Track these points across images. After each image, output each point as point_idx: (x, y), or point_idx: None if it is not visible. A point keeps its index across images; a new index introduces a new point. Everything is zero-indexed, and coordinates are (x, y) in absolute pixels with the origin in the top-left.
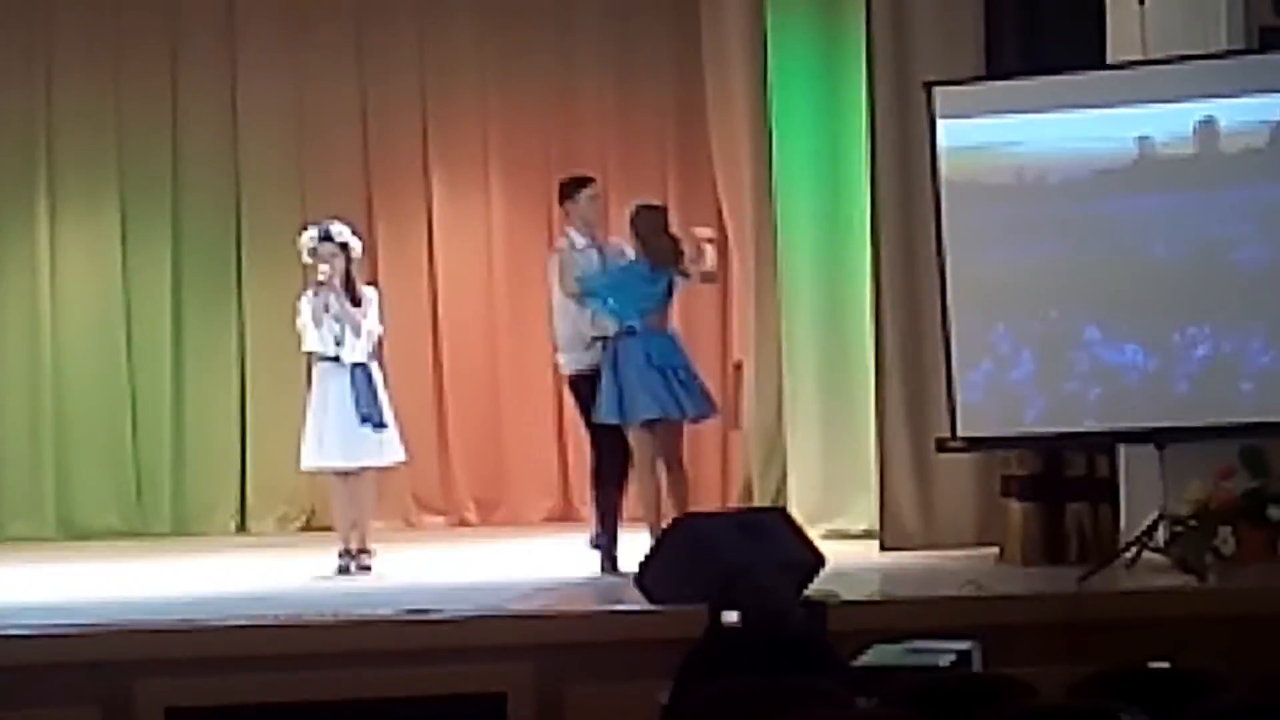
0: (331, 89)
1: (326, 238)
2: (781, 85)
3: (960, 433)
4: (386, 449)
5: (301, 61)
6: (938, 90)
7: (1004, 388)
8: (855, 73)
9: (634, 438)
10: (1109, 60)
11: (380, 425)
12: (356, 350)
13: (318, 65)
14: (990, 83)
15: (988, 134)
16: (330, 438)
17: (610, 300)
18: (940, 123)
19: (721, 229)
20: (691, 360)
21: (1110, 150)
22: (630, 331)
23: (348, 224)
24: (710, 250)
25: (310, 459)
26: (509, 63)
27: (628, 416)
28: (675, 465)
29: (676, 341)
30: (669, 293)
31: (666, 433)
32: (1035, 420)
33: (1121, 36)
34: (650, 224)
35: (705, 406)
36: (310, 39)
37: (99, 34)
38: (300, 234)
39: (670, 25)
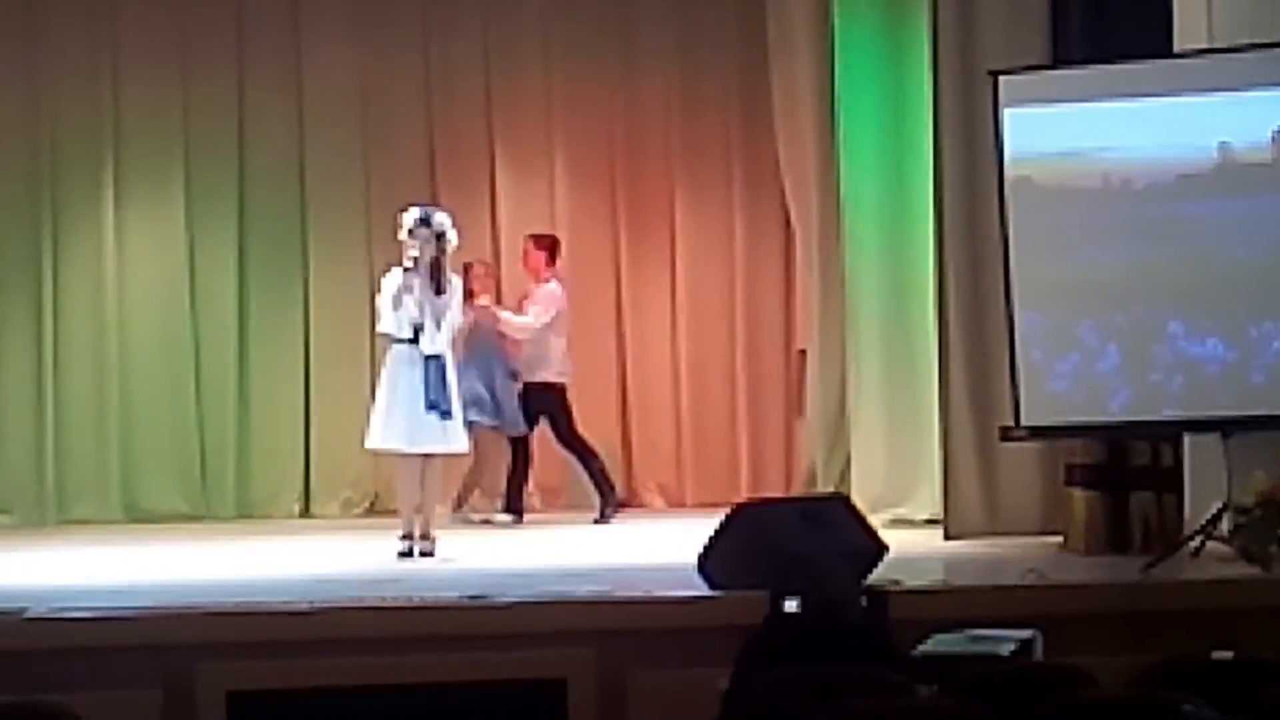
0: (396, 73)
1: (425, 222)
2: (847, 73)
3: (1048, 421)
4: (450, 437)
5: (367, 46)
6: (1003, 79)
7: (1090, 378)
8: (920, 61)
9: None
10: (1176, 48)
11: (446, 414)
12: (437, 342)
13: (383, 50)
14: (1056, 71)
15: (1072, 139)
16: (397, 421)
17: None
18: (1008, 113)
19: (785, 216)
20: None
21: (1192, 157)
22: None
23: (450, 214)
24: None
25: (375, 439)
26: (573, 46)
27: None
28: None
29: None
30: None
31: None
32: (1120, 410)
33: (1189, 24)
34: None
35: None
36: (375, 23)
37: (165, 21)
38: (401, 213)
39: (735, 17)
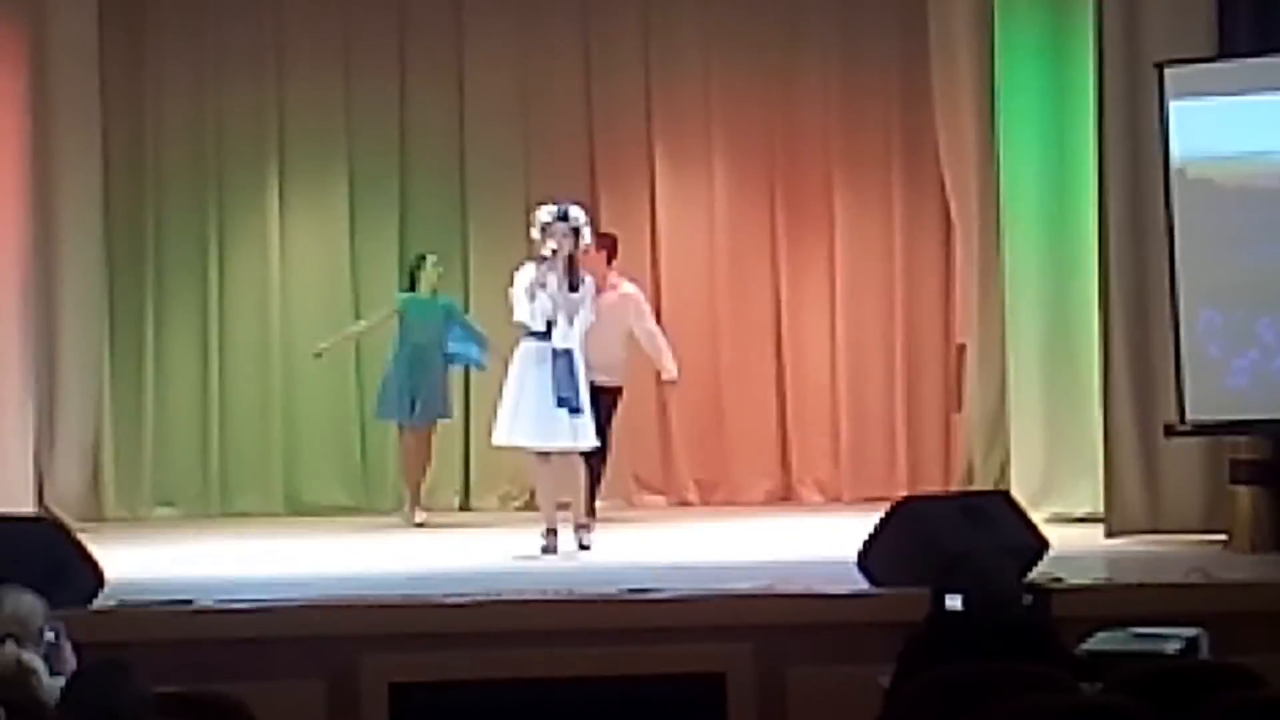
0: (557, 72)
1: (563, 218)
2: (1008, 67)
3: (1225, 415)
4: (579, 433)
5: (528, 46)
6: (1169, 71)
7: (1269, 375)
8: (1083, 54)
9: None
10: None
11: (577, 410)
12: (569, 338)
13: (544, 50)
14: (1223, 63)
15: (1241, 132)
16: (525, 417)
17: None
18: (1174, 106)
19: (945, 210)
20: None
21: None
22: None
23: (586, 209)
24: None
25: (502, 435)
26: (733, 46)
27: None
28: None
29: None
30: None
31: None
32: None
33: None
34: None
35: None
36: (537, 24)
37: (328, 21)
38: (537, 209)
39: (896, 8)
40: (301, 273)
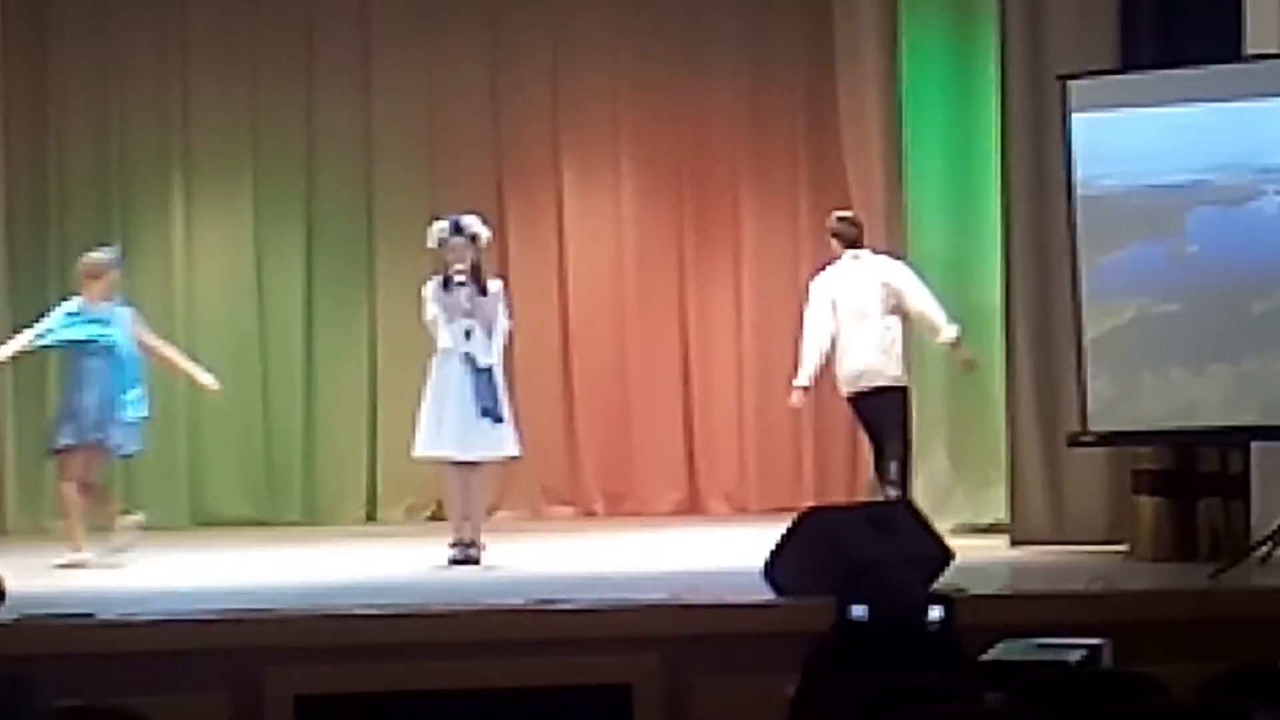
0: (464, 76)
1: (457, 230)
2: (914, 75)
3: (1117, 427)
4: (502, 443)
5: (435, 54)
6: (1073, 84)
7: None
8: (987, 69)
9: None
10: (1246, 51)
11: (499, 420)
12: (490, 352)
13: (450, 52)
14: (1126, 75)
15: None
16: (448, 428)
17: None
18: (1077, 119)
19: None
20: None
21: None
22: None
23: (477, 214)
24: None
25: (425, 448)
26: (641, 48)
27: None
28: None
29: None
30: None
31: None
32: (1189, 416)
33: (1260, 28)
34: None
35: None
36: (443, 26)
37: (234, 21)
38: (429, 225)
39: (803, 27)
40: (205, 282)
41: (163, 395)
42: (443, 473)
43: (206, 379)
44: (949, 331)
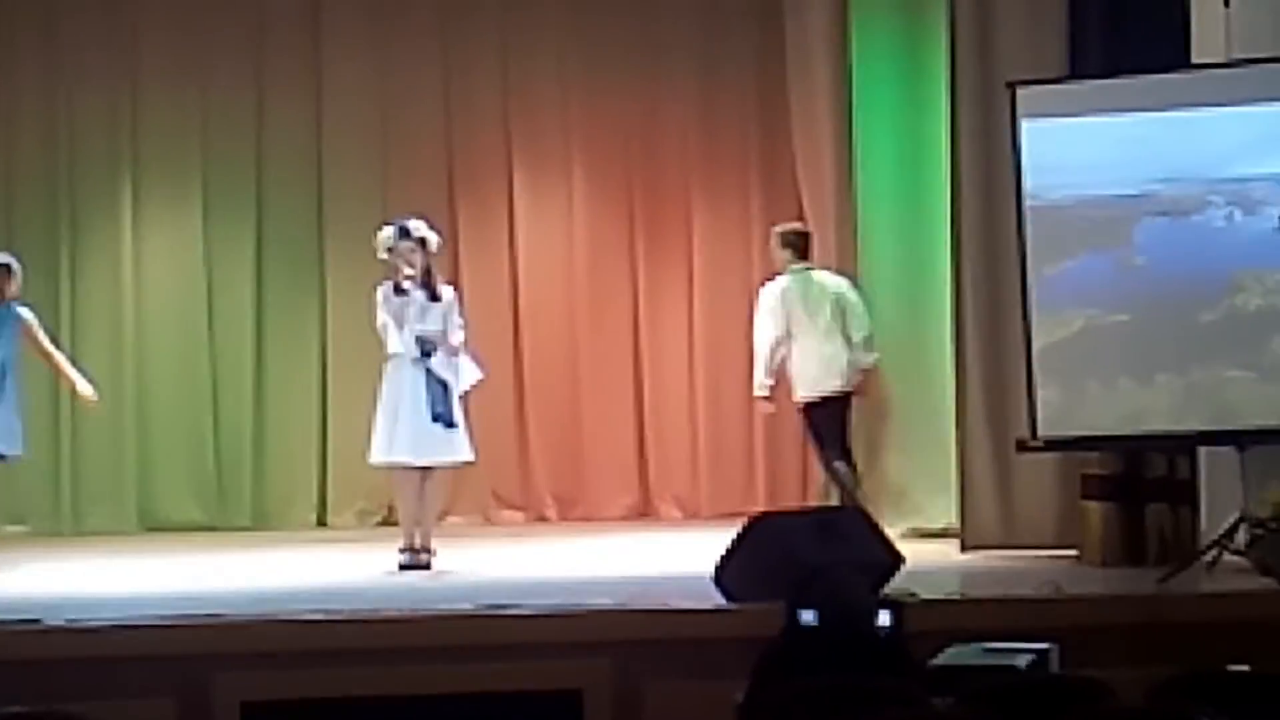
0: (415, 87)
1: (405, 235)
2: (864, 81)
3: (1065, 433)
4: (456, 448)
5: (385, 53)
6: (1021, 90)
7: (1109, 391)
8: (938, 70)
9: None
10: (1193, 60)
11: (451, 425)
12: (447, 367)
13: (401, 57)
14: (1074, 83)
15: (1090, 151)
16: (402, 434)
17: None
18: (1025, 125)
19: (803, 222)
20: None
21: (1210, 171)
22: None
23: (424, 219)
24: None
25: (380, 454)
26: (592, 56)
27: None
28: None
29: None
30: None
31: None
32: (1136, 422)
33: (1206, 37)
34: None
35: None
36: (394, 31)
37: (184, 26)
38: (377, 232)
39: (755, 18)
40: (155, 287)
41: (111, 399)
42: (395, 477)
43: (86, 390)
44: (868, 359)
